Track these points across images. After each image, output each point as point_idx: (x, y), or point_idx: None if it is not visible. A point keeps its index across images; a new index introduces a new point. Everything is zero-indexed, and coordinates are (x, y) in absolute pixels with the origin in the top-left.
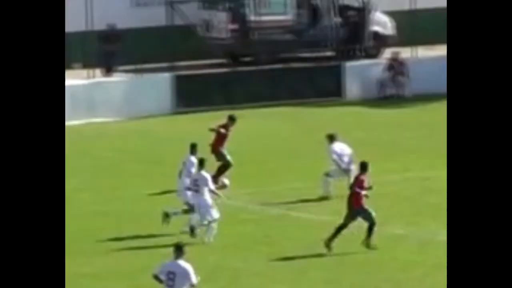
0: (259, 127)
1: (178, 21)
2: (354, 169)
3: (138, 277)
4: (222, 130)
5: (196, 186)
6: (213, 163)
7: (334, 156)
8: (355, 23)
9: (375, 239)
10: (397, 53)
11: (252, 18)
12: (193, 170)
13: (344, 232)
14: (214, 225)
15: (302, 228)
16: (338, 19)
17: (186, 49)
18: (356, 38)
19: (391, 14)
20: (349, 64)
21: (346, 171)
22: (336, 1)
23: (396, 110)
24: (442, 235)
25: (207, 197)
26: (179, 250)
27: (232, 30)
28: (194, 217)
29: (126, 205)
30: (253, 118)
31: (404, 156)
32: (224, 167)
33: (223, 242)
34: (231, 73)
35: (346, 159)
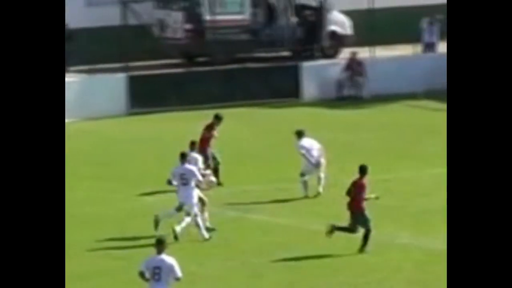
0: None
1: (133, 21)
2: (324, 162)
3: (91, 279)
4: (212, 132)
5: (184, 179)
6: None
7: (303, 151)
8: (312, 22)
9: (370, 245)
10: (355, 53)
11: (208, 17)
12: (200, 164)
13: (304, 234)
14: (189, 219)
15: (259, 231)
16: (294, 19)
17: (141, 49)
18: (313, 37)
19: (349, 13)
20: (306, 64)
21: (317, 165)
22: (293, 0)
23: (354, 110)
24: (401, 238)
25: (194, 191)
26: (160, 244)
27: (187, 30)
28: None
29: (78, 207)
30: (208, 119)
31: (363, 157)
32: (210, 166)
33: (179, 245)
34: (186, 74)
35: (315, 153)
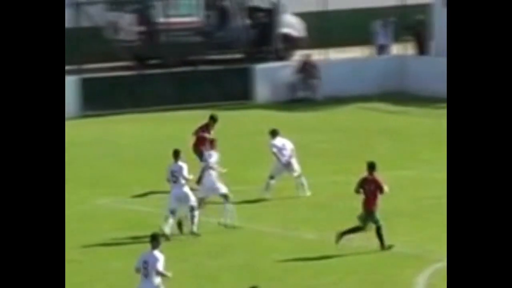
0: (167, 131)
1: (85, 23)
2: (295, 163)
3: None
4: (206, 134)
5: (174, 177)
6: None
7: (274, 150)
8: (265, 24)
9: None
10: (307, 56)
11: (160, 20)
12: (185, 173)
13: (257, 236)
14: (196, 213)
15: (212, 233)
16: (247, 21)
17: (93, 51)
18: (265, 40)
19: (301, 15)
20: (259, 67)
21: (286, 165)
22: (245, 2)
23: (307, 113)
24: (356, 240)
25: (186, 186)
26: (155, 240)
27: (140, 33)
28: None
29: None
30: (161, 121)
31: (316, 160)
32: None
33: (127, 248)
34: (138, 76)
35: (286, 153)
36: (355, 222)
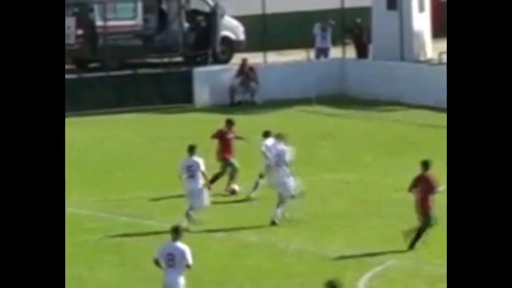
0: (106, 134)
1: None
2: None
3: None
4: (228, 137)
5: (191, 171)
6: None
7: (263, 148)
8: (205, 28)
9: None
10: (245, 59)
11: (99, 23)
12: (202, 168)
13: (197, 239)
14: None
15: (151, 236)
16: (186, 24)
17: None
18: (205, 43)
19: (241, 18)
20: (199, 70)
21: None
22: (185, 5)
23: (247, 116)
24: (295, 243)
25: (201, 182)
26: (176, 232)
27: (79, 36)
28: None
29: None
30: (100, 125)
31: (256, 163)
32: (220, 174)
33: (68, 251)
34: (78, 80)
35: (274, 151)
36: (300, 224)
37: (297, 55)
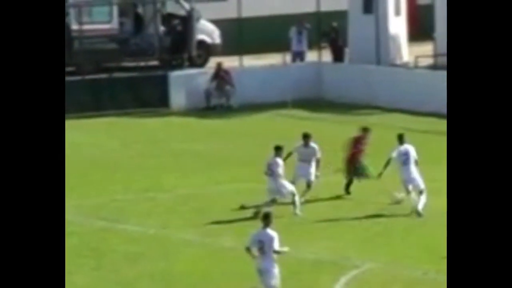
0: (82, 138)
1: None
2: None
3: None
4: (363, 145)
5: (271, 170)
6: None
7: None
8: (180, 31)
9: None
10: (220, 63)
11: (75, 27)
12: (280, 170)
13: (172, 244)
14: (297, 198)
15: (127, 241)
16: (162, 28)
17: None
18: (181, 47)
19: (217, 22)
20: (175, 74)
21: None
22: (161, 9)
23: (223, 120)
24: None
25: (279, 180)
26: (266, 218)
27: None
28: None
29: None
30: (76, 129)
31: (232, 166)
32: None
33: None
34: None
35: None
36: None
37: (273, 59)
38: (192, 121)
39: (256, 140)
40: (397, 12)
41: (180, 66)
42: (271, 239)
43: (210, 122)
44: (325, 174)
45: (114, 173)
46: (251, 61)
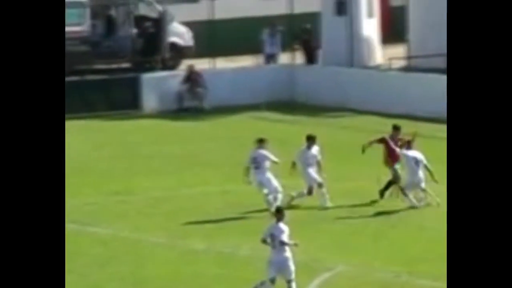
0: None
1: None
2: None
3: None
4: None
5: (257, 163)
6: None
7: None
8: (152, 34)
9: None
10: (192, 65)
11: None
12: (272, 157)
13: (144, 247)
14: (279, 195)
15: (98, 244)
16: (134, 30)
17: None
18: (153, 49)
19: (189, 24)
20: (147, 76)
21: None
22: (132, 11)
23: (195, 122)
24: (243, 250)
25: (268, 172)
26: (279, 213)
27: None
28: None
29: None
30: None
31: (204, 169)
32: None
33: None
34: None
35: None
36: (248, 231)
37: (246, 61)
38: (164, 123)
39: (228, 142)
40: (370, 14)
41: (152, 69)
42: (280, 232)
43: (182, 125)
44: (294, 177)
45: (85, 176)
46: (223, 63)
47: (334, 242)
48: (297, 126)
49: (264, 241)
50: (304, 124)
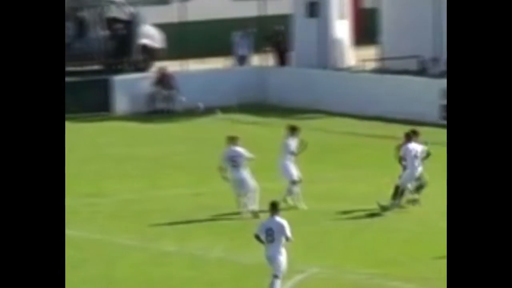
0: None
1: None
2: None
3: None
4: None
5: (235, 162)
6: None
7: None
8: (123, 36)
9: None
10: (163, 68)
11: None
12: (247, 154)
13: (114, 249)
14: (256, 194)
15: (69, 246)
16: (105, 32)
17: None
18: (124, 51)
19: (160, 26)
20: (118, 78)
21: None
22: (104, 13)
23: (166, 124)
24: (215, 252)
25: (245, 170)
26: (274, 207)
27: None
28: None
29: None
30: None
31: (175, 171)
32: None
33: None
34: None
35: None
36: (220, 233)
37: (217, 63)
38: (135, 125)
39: (200, 144)
40: (342, 16)
41: (123, 71)
42: (281, 227)
43: (153, 127)
44: (265, 180)
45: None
46: (194, 65)
47: (306, 244)
48: (268, 128)
49: (257, 236)
50: (276, 126)
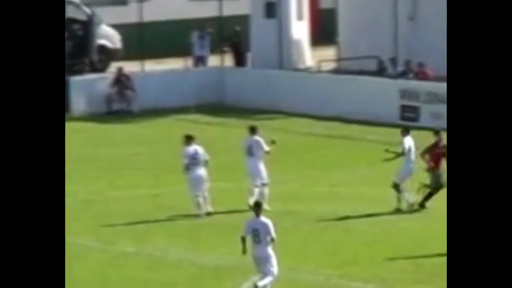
0: None
1: None
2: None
3: None
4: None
5: (196, 159)
6: None
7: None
8: (81, 36)
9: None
10: (121, 68)
11: None
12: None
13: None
14: (207, 194)
15: None
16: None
17: None
18: (81, 52)
19: (118, 27)
20: (75, 79)
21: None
22: None
23: (124, 125)
24: (173, 253)
25: (203, 169)
26: (258, 207)
27: None
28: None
29: None
30: None
31: (133, 172)
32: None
33: None
34: None
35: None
36: (178, 234)
37: (175, 64)
38: (92, 126)
39: (157, 145)
40: (300, 17)
41: (80, 71)
42: (266, 227)
43: (110, 127)
44: (226, 181)
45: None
46: (152, 65)
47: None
48: (226, 128)
49: (243, 239)
50: (233, 127)
